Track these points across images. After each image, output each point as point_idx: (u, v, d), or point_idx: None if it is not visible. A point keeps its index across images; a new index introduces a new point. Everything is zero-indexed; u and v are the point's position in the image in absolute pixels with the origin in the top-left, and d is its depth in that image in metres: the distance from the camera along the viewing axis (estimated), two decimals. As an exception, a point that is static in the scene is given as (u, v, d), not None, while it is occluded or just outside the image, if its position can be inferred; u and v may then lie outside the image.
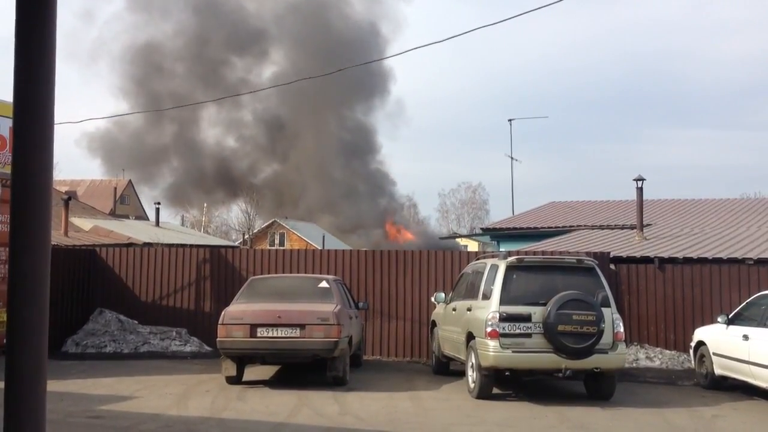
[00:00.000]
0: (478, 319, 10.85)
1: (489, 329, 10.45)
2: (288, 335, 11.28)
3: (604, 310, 10.50)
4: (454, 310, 12.31)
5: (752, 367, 10.77)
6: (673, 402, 10.93)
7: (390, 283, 15.59)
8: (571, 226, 25.89)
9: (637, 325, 14.70)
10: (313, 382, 11.74)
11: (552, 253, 15.33)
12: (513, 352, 10.39)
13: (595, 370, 10.51)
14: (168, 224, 36.63)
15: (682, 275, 14.79)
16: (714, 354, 11.91)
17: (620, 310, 11.80)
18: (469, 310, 11.46)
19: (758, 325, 11.03)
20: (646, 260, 15.33)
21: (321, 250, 18.13)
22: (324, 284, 12.52)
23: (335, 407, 9.95)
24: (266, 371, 12.74)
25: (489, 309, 10.60)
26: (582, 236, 21.59)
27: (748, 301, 12.12)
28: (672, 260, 15.14)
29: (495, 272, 11.01)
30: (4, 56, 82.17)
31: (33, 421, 2.12)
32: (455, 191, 79.84)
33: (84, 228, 26.66)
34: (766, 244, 16.89)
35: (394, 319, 15.44)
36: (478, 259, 13.37)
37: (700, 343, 12.46)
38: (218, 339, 11.46)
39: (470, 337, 11.09)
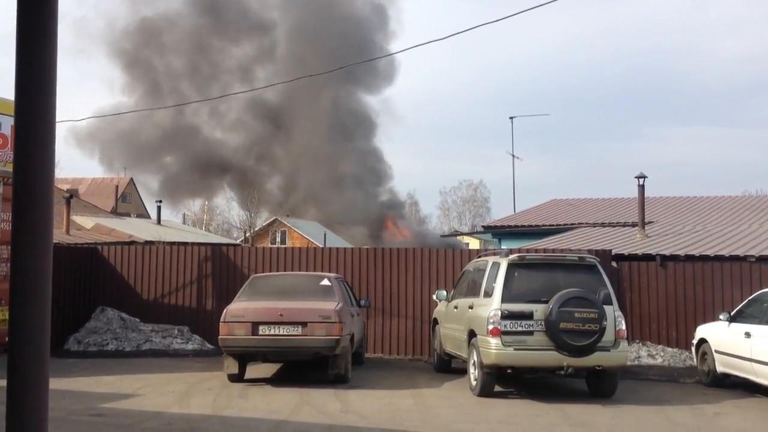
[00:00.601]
0: (480, 316, 10.85)
1: (491, 327, 10.46)
2: (290, 333, 11.29)
3: (606, 307, 10.50)
4: (456, 307, 12.31)
5: (754, 365, 10.77)
6: (675, 399, 10.93)
7: (392, 281, 15.59)
8: (572, 224, 25.90)
9: (639, 323, 14.70)
10: (314, 379, 11.75)
11: (554, 250, 15.33)
12: (515, 349, 10.39)
13: (597, 367, 10.51)
14: (169, 222, 36.62)
15: (684, 273, 14.79)
16: (716, 351, 11.91)
17: (622, 308, 11.80)
18: (470, 307, 11.46)
19: (760, 323, 11.03)
20: (647, 258, 15.33)
21: (322, 248, 18.13)
22: (326, 282, 12.52)
23: (337, 405, 9.96)
24: (268, 369, 12.75)
25: (491, 307, 10.60)
26: (584, 234, 21.58)
27: (750, 298, 12.11)
28: (674, 258, 15.13)
29: (497, 270, 11.01)
30: (5, 54, 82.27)
31: (35, 419, 2.12)
32: (456, 189, 79.90)
33: (85, 226, 26.66)
34: (767, 241, 16.88)
35: (396, 317, 15.45)
36: (479, 257, 13.37)
37: (702, 341, 12.46)
38: (220, 337, 11.47)
39: (472, 334, 11.10)
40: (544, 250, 15.42)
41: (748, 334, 11.04)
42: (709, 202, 29.58)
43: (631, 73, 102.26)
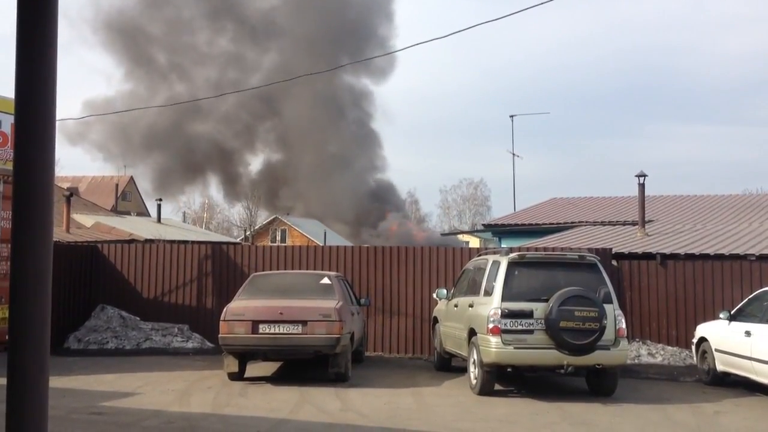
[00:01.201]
0: (480, 315, 10.85)
1: (491, 325, 10.46)
2: (290, 331, 11.29)
3: (606, 306, 10.50)
4: (456, 306, 12.32)
5: (754, 363, 10.77)
6: (675, 398, 10.93)
7: (392, 280, 15.60)
8: (572, 223, 25.89)
9: (639, 322, 14.71)
10: (314, 378, 11.76)
11: (554, 249, 15.33)
12: (515, 348, 10.39)
13: (597, 366, 10.51)
14: (169, 220, 36.63)
15: (684, 271, 14.79)
16: (716, 350, 11.91)
17: (622, 307, 11.80)
18: (471, 306, 11.46)
19: (760, 322, 11.03)
20: (648, 256, 15.33)
21: (323, 246, 18.13)
22: (326, 280, 12.53)
23: (337, 403, 9.97)
24: (268, 367, 12.75)
25: (491, 305, 10.61)
26: (584, 232, 21.58)
27: (750, 297, 12.12)
28: (674, 256, 15.13)
29: (497, 268, 11.01)
30: (5, 53, 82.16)
31: (35, 417, 2.12)
32: (457, 187, 79.92)
33: (86, 224, 26.66)
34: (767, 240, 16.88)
35: (396, 316, 15.46)
36: (479, 256, 13.37)
37: (702, 340, 12.46)
38: (220, 335, 11.47)
39: (472, 333, 11.10)
40: (545, 249, 15.43)
41: (748, 333, 11.05)
42: (710, 200, 29.57)
43: (632, 71, 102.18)
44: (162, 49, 49.72)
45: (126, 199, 60.09)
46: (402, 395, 10.73)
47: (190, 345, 15.33)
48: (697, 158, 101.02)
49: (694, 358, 12.87)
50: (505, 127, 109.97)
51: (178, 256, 16.43)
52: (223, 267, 16.23)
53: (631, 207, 26.18)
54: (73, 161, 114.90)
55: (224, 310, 11.76)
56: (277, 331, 11.31)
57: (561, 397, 10.81)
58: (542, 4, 12.26)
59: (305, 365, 12.53)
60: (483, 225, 38.35)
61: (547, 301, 10.42)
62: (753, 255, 14.63)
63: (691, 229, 20.20)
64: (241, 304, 11.77)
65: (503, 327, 10.43)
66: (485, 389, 10.73)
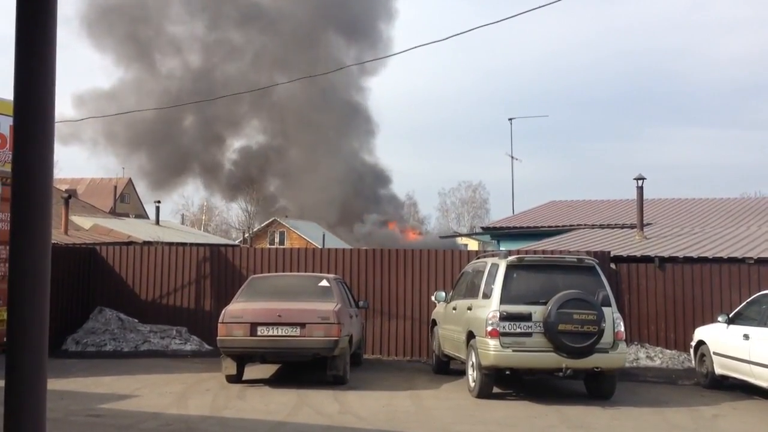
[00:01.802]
0: (479, 318, 10.85)
1: (489, 328, 10.45)
2: (288, 334, 11.28)
3: (605, 309, 10.50)
4: (455, 309, 12.31)
5: (753, 367, 10.77)
6: (674, 401, 10.93)
7: (390, 282, 15.59)
8: (571, 225, 25.90)
9: (638, 325, 14.70)
10: (313, 381, 11.74)
11: (552, 252, 15.32)
12: (513, 351, 10.38)
13: (596, 369, 10.51)
14: (168, 223, 36.64)
15: (683, 274, 14.79)
16: (714, 353, 11.91)
17: (620, 310, 11.80)
18: (469, 309, 11.46)
19: (759, 325, 11.03)
20: (646, 259, 15.33)
21: (321, 248, 18.13)
22: (324, 283, 12.52)
23: (335, 406, 9.96)
24: (266, 370, 12.74)
25: (489, 308, 10.60)
26: (582, 235, 21.59)
27: (748, 300, 12.12)
28: (672, 259, 15.14)
29: (495, 271, 11.00)
30: (4, 54, 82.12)
31: (33, 420, 2.11)
32: (455, 190, 79.98)
33: (84, 226, 26.67)
34: (766, 243, 16.88)
35: (395, 318, 15.44)
36: (478, 258, 13.36)
37: (701, 343, 12.46)
38: (218, 338, 11.46)
39: (471, 336, 11.09)
40: (543, 252, 15.41)
41: (746, 336, 11.05)
42: (708, 204, 29.60)
43: (631, 74, 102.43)
44: (157, 35, 49.38)
45: (124, 201, 60.12)
46: (400, 398, 10.72)
47: (188, 347, 15.31)
48: (695, 162, 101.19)
49: (693, 362, 12.86)
50: (503, 130, 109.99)
51: (176, 259, 16.42)
52: (222, 269, 16.22)
53: (629, 210, 26.20)
54: (72, 163, 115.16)
55: (222, 312, 11.75)
56: (275, 333, 11.29)
57: (559, 400, 10.80)
58: (541, 7, 12.27)
59: (303, 368, 12.52)
60: (481, 228, 38.33)
61: (545, 304, 10.41)
62: (751, 258, 14.63)
63: (690, 233, 20.22)
64: (240, 307, 11.76)
65: (502, 330, 10.43)
66: (484, 392, 10.73)
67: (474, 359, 10.87)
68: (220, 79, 47.03)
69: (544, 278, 10.88)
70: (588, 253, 14.44)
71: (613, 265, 15.03)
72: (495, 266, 11.15)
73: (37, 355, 2.13)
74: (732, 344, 11.37)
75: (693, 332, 13.13)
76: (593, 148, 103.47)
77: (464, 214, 79.50)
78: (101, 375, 12.20)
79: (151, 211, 44.51)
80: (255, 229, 55.23)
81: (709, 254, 15.38)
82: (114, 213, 41.48)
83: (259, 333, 11.30)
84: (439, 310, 13.50)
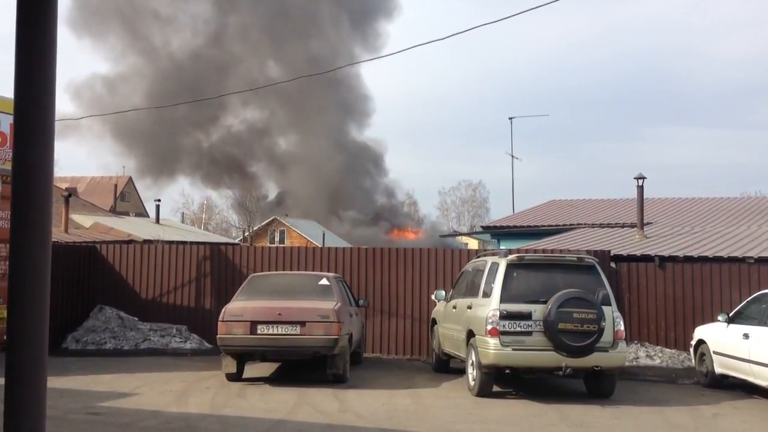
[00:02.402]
0: (479, 316, 10.85)
1: (489, 327, 10.46)
2: (288, 332, 11.28)
3: (605, 308, 10.50)
4: (455, 307, 12.31)
5: (752, 366, 10.77)
6: (673, 400, 10.93)
7: (390, 281, 15.58)
8: (571, 225, 25.91)
9: (638, 324, 14.70)
10: (313, 379, 11.75)
11: (552, 251, 15.33)
12: (513, 349, 10.39)
13: (596, 368, 10.51)
14: (168, 221, 36.61)
15: (683, 274, 14.79)
16: (714, 352, 11.91)
17: (620, 309, 11.80)
18: (469, 307, 11.46)
19: (758, 324, 11.03)
20: (646, 259, 15.33)
21: (321, 247, 18.13)
22: (324, 281, 12.52)
23: (335, 404, 9.96)
24: (266, 368, 12.74)
25: (489, 307, 10.60)
26: (582, 234, 21.59)
27: (748, 299, 12.12)
28: (672, 259, 15.13)
29: (495, 270, 11.00)
30: (5, 53, 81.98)
31: (33, 418, 2.12)
32: (456, 189, 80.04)
33: (84, 225, 26.66)
34: (766, 242, 16.88)
35: (395, 317, 15.44)
36: (478, 257, 13.36)
37: (701, 342, 12.46)
38: (218, 336, 11.46)
39: (470, 334, 11.10)
40: (543, 251, 15.42)
41: (746, 336, 11.05)
42: (708, 203, 29.60)
43: (631, 74, 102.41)
44: (158, 21, 49.26)
45: (125, 200, 60.09)
46: (400, 396, 10.72)
47: (188, 346, 15.31)
48: (695, 161, 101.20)
49: (693, 361, 12.87)
50: (504, 129, 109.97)
51: (176, 257, 16.42)
52: (222, 268, 16.21)
53: (629, 209, 26.20)
54: (72, 162, 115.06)
55: (223, 310, 11.76)
56: (275, 331, 11.30)
57: (559, 398, 10.80)
58: (541, 7, 12.26)
59: (303, 366, 12.52)
60: (482, 227, 38.36)
61: (545, 302, 10.41)
62: (751, 258, 14.63)
63: (690, 232, 20.22)
64: (240, 305, 11.76)
65: (502, 328, 10.43)
66: (483, 391, 10.73)
67: (474, 358, 10.88)
68: (215, 60, 46.96)
69: (544, 277, 10.88)
70: (588, 252, 14.44)
71: (613, 265, 15.03)
72: (495, 265, 11.15)
73: (37, 354, 2.13)
74: (732, 343, 11.37)
75: (693, 331, 13.13)
76: (593, 148, 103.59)
77: (464, 213, 79.59)
78: (101, 373, 12.20)
79: (151, 209, 44.51)
80: (255, 228, 55.21)
81: (709, 253, 15.38)
82: (114, 211, 41.48)
83: (259, 331, 11.30)
84: (439, 309, 13.51)
